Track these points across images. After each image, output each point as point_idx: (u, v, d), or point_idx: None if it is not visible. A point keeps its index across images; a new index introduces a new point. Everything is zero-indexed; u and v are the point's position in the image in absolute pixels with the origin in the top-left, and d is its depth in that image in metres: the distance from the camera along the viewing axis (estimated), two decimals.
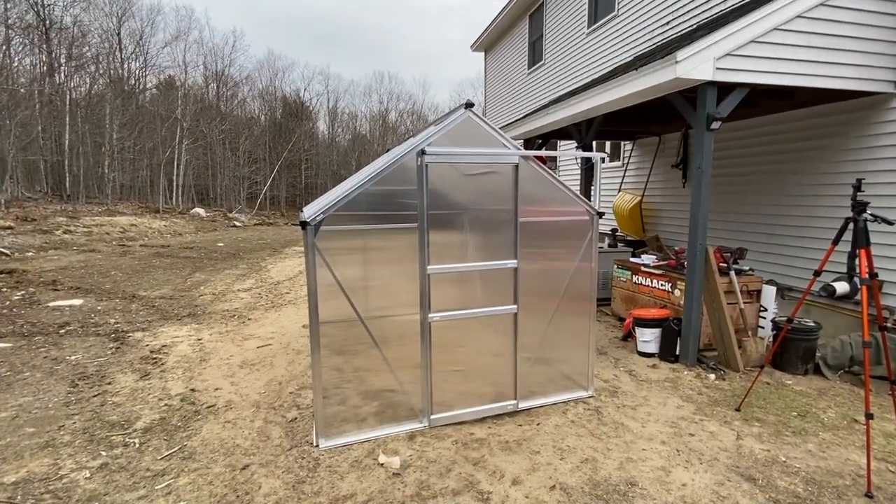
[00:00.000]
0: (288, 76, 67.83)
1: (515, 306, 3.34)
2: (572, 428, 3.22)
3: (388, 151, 6.26)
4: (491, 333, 3.36)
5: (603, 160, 3.51)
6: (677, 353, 4.36)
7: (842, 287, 4.77)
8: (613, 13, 8.63)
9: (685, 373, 4.18)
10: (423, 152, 2.96)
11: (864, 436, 3.14)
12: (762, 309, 4.71)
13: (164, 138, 25.29)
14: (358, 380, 3.06)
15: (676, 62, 3.68)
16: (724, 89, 3.96)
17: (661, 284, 5.10)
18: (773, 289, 4.65)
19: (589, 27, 9.47)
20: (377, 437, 3.07)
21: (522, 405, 3.45)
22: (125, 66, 26.77)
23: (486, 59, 16.10)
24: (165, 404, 3.61)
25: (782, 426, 3.27)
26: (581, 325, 3.62)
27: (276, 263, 11.22)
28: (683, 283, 4.83)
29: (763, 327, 4.70)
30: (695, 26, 6.50)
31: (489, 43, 15.28)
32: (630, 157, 8.59)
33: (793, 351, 4.21)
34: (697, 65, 3.75)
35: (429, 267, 3.07)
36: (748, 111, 5.65)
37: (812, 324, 4.25)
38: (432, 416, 3.19)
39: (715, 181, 6.34)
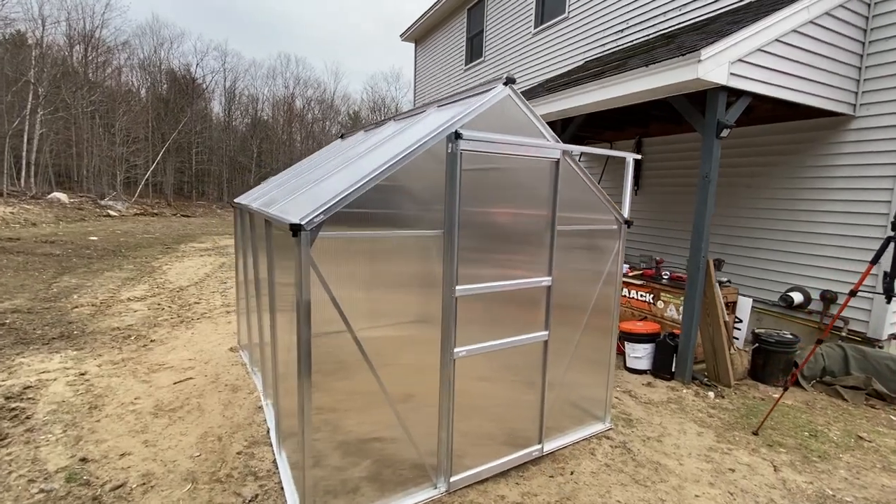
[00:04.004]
0: (177, 47, 59.83)
1: (546, 332, 2.76)
2: (611, 475, 2.74)
3: (342, 137, 5.31)
4: (511, 363, 2.74)
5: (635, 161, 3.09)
6: (673, 369, 4.14)
7: (798, 297, 5.01)
8: (564, 15, 8.51)
9: (684, 391, 3.97)
10: (457, 135, 2.24)
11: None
12: (737, 320, 4.73)
13: (11, 105, 20.43)
14: (329, 426, 2.18)
15: (699, 61, 3.40)
16: (731, 96, 3.80)
17: (642, 295, 4.92)
18: (750, 300, 4.70)
19: (536, 27, 9.28)
20: None
21: (547, 448, 2.89)
22: None
23: (416, 50, 15.37)
24: (40, 490, 2.40)
25: (805, 450, 3.13)
26: (603, 347, 3.17)
27: (172, 264, 9.38)
28: (667, 295, 4.68)
29: (737, 338, 4.72)
30: (655, 35, 6.52)
31: (421, 34, 14.58)
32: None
33: (774, 363, 4.23)
34: (715, 67, 3.52)
35: (457, 287, 2.35)
36: None
37: (790, 336, 4.31)
38: (452, 479, 2.48)
39: (677, 190, 6.43)
